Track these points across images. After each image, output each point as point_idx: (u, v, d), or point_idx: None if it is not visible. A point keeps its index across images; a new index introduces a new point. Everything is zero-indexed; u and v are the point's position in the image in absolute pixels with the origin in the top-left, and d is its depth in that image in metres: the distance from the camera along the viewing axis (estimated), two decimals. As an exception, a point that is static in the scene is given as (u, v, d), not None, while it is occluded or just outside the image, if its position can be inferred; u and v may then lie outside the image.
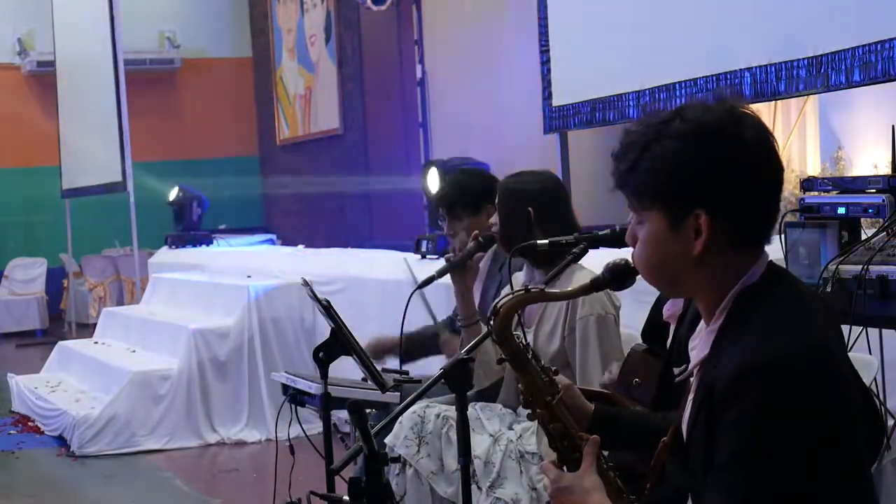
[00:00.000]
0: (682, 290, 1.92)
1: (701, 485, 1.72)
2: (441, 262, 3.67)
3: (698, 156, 1.73)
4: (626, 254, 2.15)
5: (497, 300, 2.14)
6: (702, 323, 1.85)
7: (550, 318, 3.26)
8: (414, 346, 4.09)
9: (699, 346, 1.82)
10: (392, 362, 4.01)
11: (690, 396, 1.83)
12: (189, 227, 9.60)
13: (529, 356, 2.11)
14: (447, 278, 3.59)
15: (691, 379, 1.84)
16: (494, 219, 3.45)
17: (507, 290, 3.01)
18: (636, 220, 1.83)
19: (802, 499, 1.62)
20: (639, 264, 1.87)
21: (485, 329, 2.49)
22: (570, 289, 2.16)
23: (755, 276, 1.76)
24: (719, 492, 1.65)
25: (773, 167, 1.78)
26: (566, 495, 1.94)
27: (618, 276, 2.08)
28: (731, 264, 1.76)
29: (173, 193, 9.75)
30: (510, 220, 3.36)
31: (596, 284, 2.11)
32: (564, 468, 2.00)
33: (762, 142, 1.76)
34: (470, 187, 4.01)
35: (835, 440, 1.63)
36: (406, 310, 3.23)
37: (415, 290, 3.30)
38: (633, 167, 1.78)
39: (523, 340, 2.13)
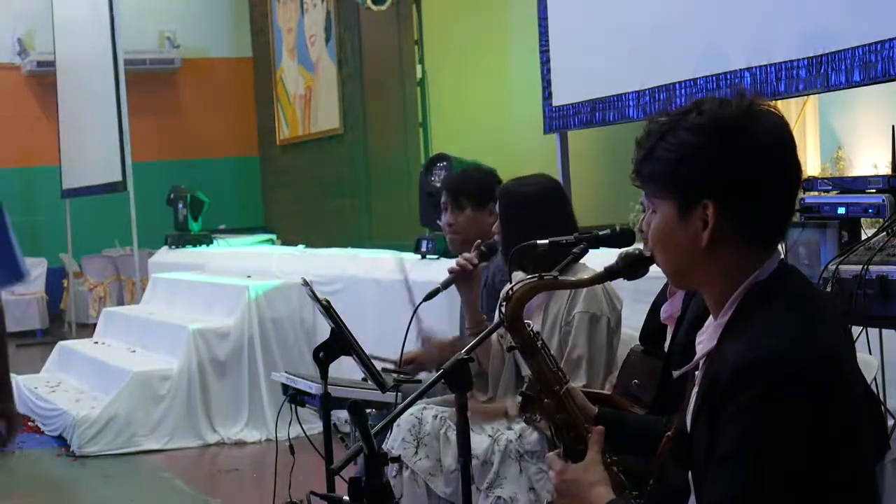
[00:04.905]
0: (691, 282, 1.92)
1: (703, 478, 1.72)
2: (440, 262, 3.65)
3: (709, 148, 1.75)
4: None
5: (509, 286, 2.13)
6: (710, 317, 1.85)
7: (551, 316, 3.24)
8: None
9: (706, 339, 1.83)
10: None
11: (695, 389, 1.83)
12: (177, 227, 9.59)
13: (539, 345, 2.11)
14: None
15: (696, 372, 1.84)
16: (496, 227, 3.42)
17: (519, 275, 2.99)
18: (650, 208, 1.84)
19: (800, 495, 1.62)
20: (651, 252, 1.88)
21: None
22: (583, 277, 2.15)
23: (765, 273, 1.77)
24: (720, 485, 1.66)
25: (786, 165, 1.78)
26: (570, 487, 1.94)
27: (631, 265, 2.08)
28: (740, 260, 1.77)
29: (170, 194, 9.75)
30: (513, 226, 3.32)
31: (610, 272, 2.11)
32: (569, 461, 1.99)
33: (777, 139, 1.77)
34: (478, 181, 3.98)
35: (834, 438, 1.64)
36: (409, 326, 3.24)
37: (419, 304, 3.30)
38: (649, 155, 1.81)
39: (533, 329, 2.13)
